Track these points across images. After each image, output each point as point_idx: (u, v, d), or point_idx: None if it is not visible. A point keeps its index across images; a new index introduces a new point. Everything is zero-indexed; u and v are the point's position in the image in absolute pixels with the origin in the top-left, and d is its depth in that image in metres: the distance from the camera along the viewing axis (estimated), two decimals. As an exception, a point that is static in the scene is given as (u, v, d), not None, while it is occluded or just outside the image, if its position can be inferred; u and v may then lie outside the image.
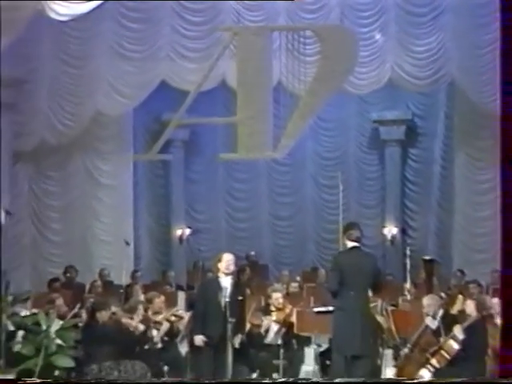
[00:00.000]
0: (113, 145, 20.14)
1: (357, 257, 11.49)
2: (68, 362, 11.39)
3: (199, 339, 11.24)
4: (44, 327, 11.41)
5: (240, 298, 11.57)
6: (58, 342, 11.33)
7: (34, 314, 12.04)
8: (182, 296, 15.95)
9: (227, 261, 11.47)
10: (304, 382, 6.06)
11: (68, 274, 17.77)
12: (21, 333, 11.52)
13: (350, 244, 11.54)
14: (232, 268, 11.52)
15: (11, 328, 11.46)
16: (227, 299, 11.09)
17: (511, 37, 8.11)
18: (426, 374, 11.53)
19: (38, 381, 8.52)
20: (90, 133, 19.31)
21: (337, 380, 7.28)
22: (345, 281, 11.30)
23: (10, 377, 11.06)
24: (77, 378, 12.11)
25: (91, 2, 15.10)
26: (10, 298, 11.93)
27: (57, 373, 11.76)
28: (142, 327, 12.41)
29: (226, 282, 11.34)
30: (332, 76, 16.06)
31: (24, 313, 12.20)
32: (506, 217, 9.26)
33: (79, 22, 16.73)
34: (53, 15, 15.30)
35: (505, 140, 9.33)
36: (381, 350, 12.82)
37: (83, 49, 18.19)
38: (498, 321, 12.65)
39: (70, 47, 18.18)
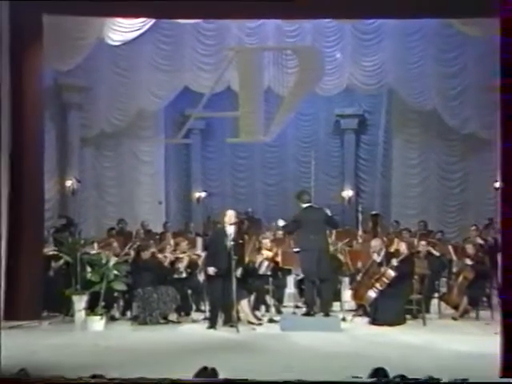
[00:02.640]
0: (150, 132, 20.05)
1: (311, 212, 11.65)
2: (122, 287, 11.65)
3: (211, 270, 11.20)
4: (105, 262, 11.71)
5: (241, 241, 11.56)
6: (115, 272, 11.54)
7: (98, 252, 12.30)
8: (199, 241, 15.82)
9: (229, 215, 11.43)
10: (305, 382, 5.70)
11: (120, 225, 17.68)
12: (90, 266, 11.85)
13: (304, 205, 11.75)
14: (233, 220, 11.40)
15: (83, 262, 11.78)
16: (231, 243, 11.08)
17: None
18: (372, 294, 11.69)
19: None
20: (134, 124, 19.27)
21: (340, 380, 7.02)
22: (305, 229, 11.47)
23: (85, 297, 11.32)
24: (129, 298, 12.28)
25: (137, 31, 15.13)
26: (81, 242, 12.24)
27: (115, 294, 12.06)
28: (172, 261, 12.53)
29: (231, 230, 11.28)
30: (306, 82, 16.17)
31: (91, 252, 12.48)
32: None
33: (128, 45, 16.57)
34: (109, 41, 15.28)
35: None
36: (340, 277, 12.88)
37: (130, 64, 18.13)
38: (421, 255, 13.02)
39: (121, 63, 18.15)
